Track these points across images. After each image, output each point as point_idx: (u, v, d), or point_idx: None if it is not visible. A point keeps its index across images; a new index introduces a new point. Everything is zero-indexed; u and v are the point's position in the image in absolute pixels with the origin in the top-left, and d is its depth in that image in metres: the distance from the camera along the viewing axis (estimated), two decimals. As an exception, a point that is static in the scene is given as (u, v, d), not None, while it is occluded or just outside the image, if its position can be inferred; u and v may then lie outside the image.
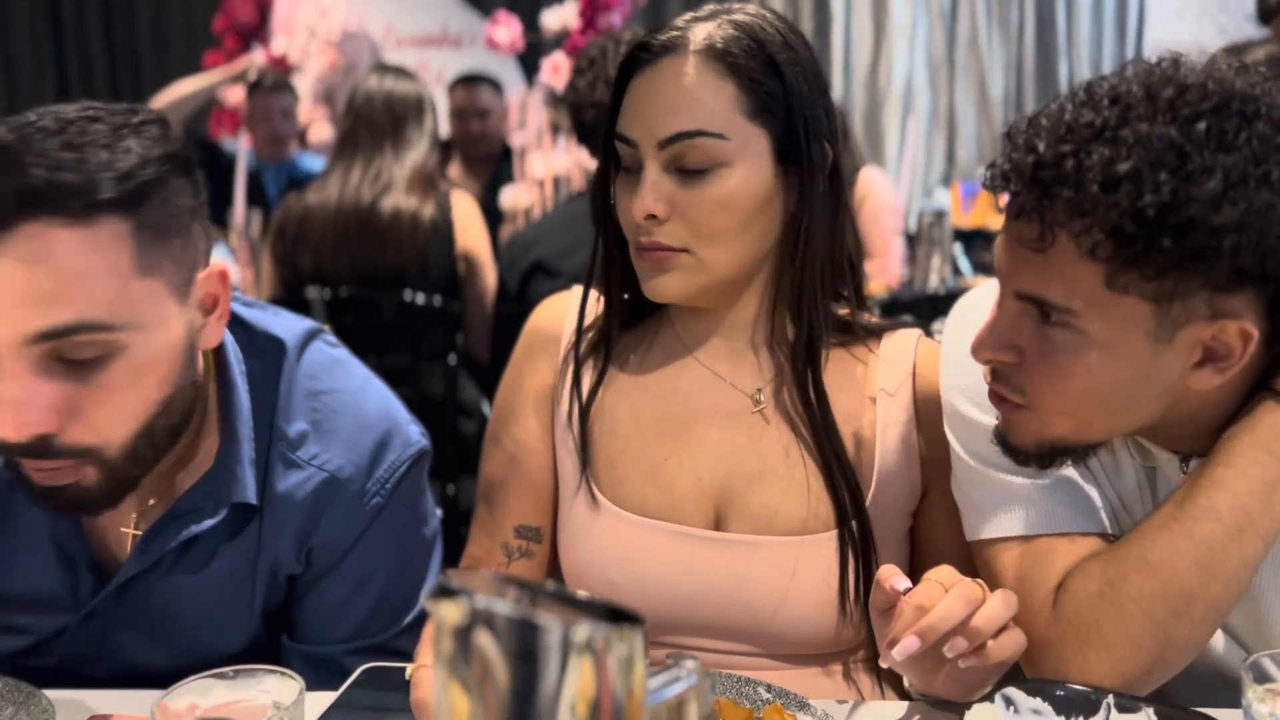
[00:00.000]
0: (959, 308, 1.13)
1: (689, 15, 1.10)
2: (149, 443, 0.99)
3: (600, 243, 1.16)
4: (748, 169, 1.06)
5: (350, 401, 1.15)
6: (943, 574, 0.93)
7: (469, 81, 4.15)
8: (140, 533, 1.08)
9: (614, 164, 1.13)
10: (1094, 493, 1.04)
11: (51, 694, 1.00)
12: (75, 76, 7.10)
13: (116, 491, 0.99)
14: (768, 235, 1.10)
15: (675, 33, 1.08)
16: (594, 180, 1.17)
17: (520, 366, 1.22)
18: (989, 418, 1.04)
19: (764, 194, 1.08)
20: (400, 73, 2.85)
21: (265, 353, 1.12)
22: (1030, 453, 0.98)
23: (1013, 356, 0.95)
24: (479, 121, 4.05)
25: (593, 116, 2.30)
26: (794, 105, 1.08)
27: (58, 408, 0.91)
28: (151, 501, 1.09)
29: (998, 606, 0.90)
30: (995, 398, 0.99)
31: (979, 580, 0.94)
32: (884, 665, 0.94)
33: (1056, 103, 0.92)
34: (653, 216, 1.06)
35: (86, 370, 0.92)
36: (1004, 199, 0.94)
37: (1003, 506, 1.03)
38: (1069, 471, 1.03)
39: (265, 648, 1.16)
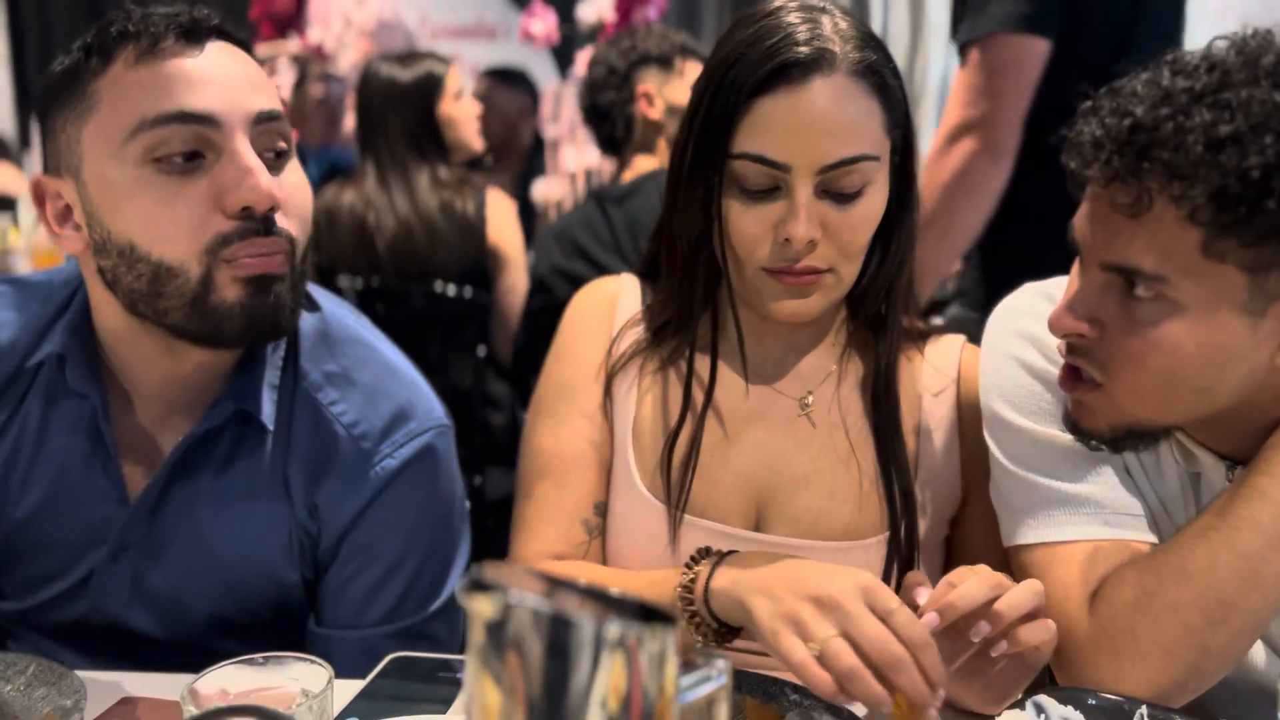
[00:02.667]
0: (1000, 311, 1.13)
1: (803, 29, 1.02)
2: (304, 266, 1.06)
3: (695, 251, 1.11)
4: (882, 182, 1.06)
5: (379, 360, 1.15)
6: (976, 566, 0.93)
7: (485, 75, 4.20)
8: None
9: (711, 180, 1.06)
10: (1135, 499, 1.02)
11: (83, 675, 1.01)
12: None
13: (295, 307, 1.05)
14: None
15: (810, 46, 1.01)
16: (698, 190, 1.08)
17: (574, 344, 1.20)
18: (1028, 421, 1.03)
19: (885, 204, 1.07)
20: (406, 58, 2.79)
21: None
22: (1104, 436, 0.97)
23: (1094, 330, 0.93)
24: (484, 118, 4.10)
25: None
26: (909, 111, 1.08)
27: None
28: (189, 427, 1.09)
29: (1022, 592, 0.89)
30: (1069, 379, 0.97)
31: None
32: None
33: (1142, 75, 0.91)
34: (811, 241, 1.03)
35: (277, 165, 1.04)
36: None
37: (1040, 512, 1.02)
38: (1110, 477, 1.02)
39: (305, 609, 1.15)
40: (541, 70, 5.00)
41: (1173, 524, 1.04)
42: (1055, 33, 1.80)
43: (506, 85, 4.15)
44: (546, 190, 3.57)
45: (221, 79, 1.00)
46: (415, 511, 1.13)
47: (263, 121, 1.01)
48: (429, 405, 1.15)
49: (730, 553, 0.99)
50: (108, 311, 1.06)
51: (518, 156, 4.12)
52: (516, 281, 2.73)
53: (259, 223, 0.99)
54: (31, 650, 1.13)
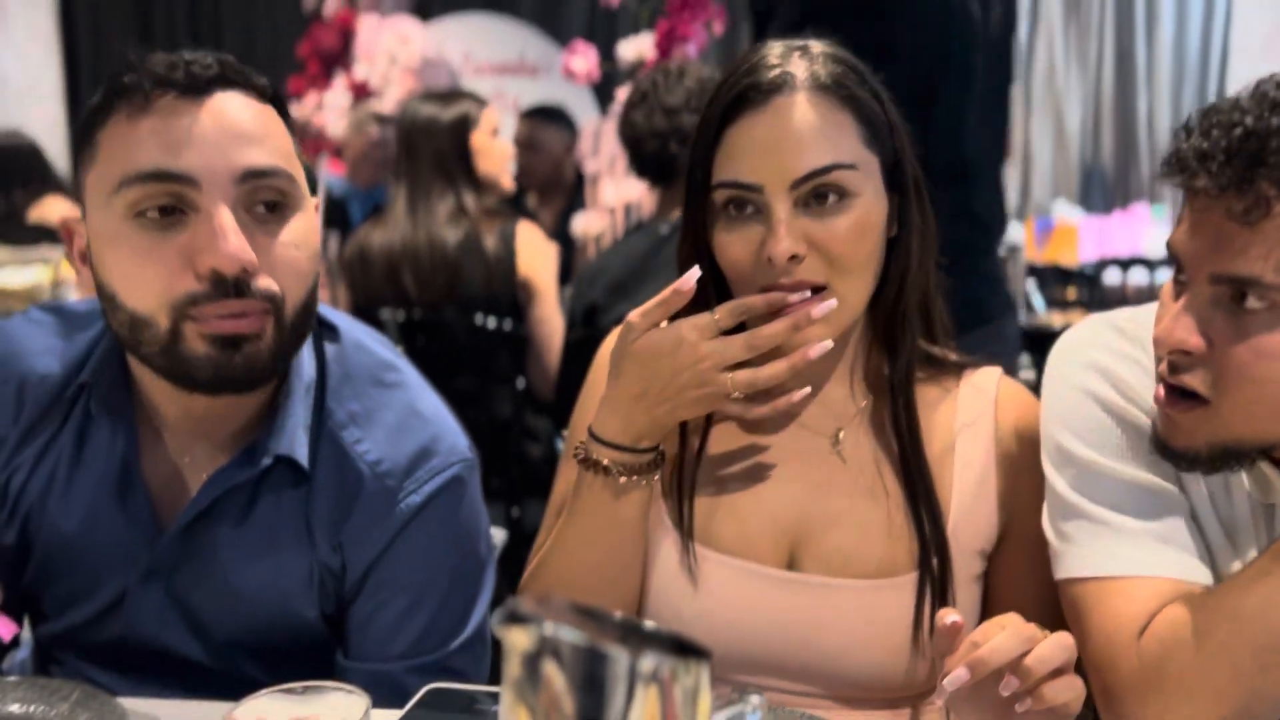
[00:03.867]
0: (1066, 342, 1.11)
1: (771, 57, 1.08)
2: (304, 318, 1.06)
3: (711, 296, 1.12)
4: (871, 195, 1.07)
5: (402, 399, 1.16)
6: (1005, 619, 0.92)
7: (528, 115, 4.31)
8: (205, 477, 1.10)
9: (701, 214, 1.10)
10: (1195, 538, 1.01)
11: (125, 703, 1.02)
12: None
13: (280, 359, 1.05)
14: (880, 265, 1.10)
15: (774, 72, 1.06)
16: (685, 229, 1.13)
17: (597, 390, 1.22)
18: (1095, 454, 1.02)
19: (884, 220, 1.08)
20: (445, 98, 2.86)
21: (323, 333, 1.17)
22: (1200, 456, 0.96)
23: (1201, 343, 0.92)
24: (527, 154, 4.18)
25: (654, 147, 2.34)
26: (896, 129, 1.09)
27: (253, 248, 1.00)
28: (221, 460, 1.11)
29: (1052, 648, 0.88)
30: (1170, 398, 0.95)
31: (1046, 629, 0.92)
32: (938, 701, 0.92)
33: (1250, 87, 0.92)
34: (794, 256, 1.04)
35: (271, 220, 1.02)
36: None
37: (1098, 546, 1.01)
38: (1174, 518, 1.01)
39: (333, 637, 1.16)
40: (581, 106, 5.06)
41: (1237, 553, 1.02)
42: None
43: (549, 123, 4.21)
44: (586, 224, 3.60)
45: (210, 136, 0.99)
46: (440, 546, 1.14)
47: (251, 179, 1.00)
48: (453, 440, 1.16)
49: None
50: (93, 290, 1.09)
51: (562, 192, 4.18)
52: (548, 313, 2.75)
53: (230, 285, 0.99)
54: (72, 673, 1.15)
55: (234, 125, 1.01)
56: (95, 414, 1.12)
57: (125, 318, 1.02)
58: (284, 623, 1.13)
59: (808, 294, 1.04)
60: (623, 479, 1.06)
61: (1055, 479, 1.05)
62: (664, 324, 1.04)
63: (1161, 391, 0.96)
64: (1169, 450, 0.97)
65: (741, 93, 1.06)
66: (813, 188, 1.04)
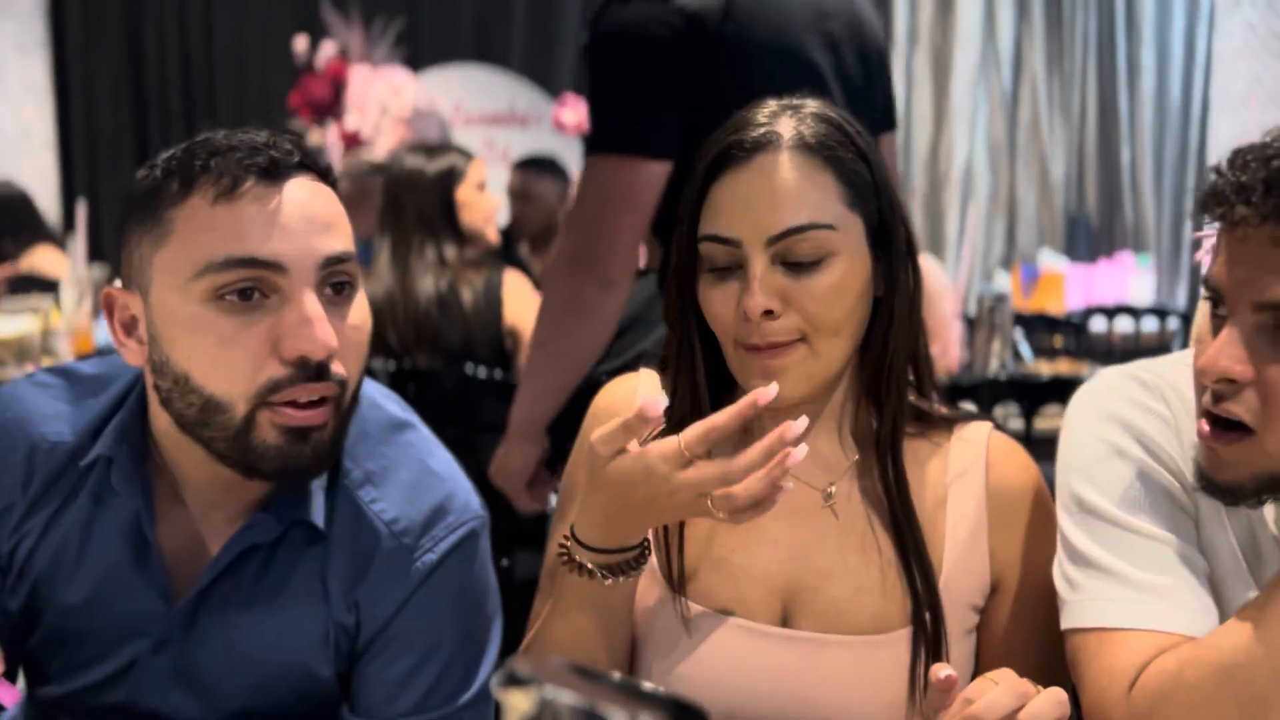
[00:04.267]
0: (1088, 393, 1.12)
1: (761, 115, 1.10)
2: (355, 400, 1.08)
3: (682, 341, 1.15)
4: (851, 256, 1.08)
5: (416, 457, 1.16)
6: (998, 675, 0.92)
7: (522, 166, 4.37)
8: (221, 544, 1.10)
9: (687, 267, 1.12)
10: (1209, 598, 1.01)
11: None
12: (156, 146, 7.34)
13: (337, 445, 1.06)
14: (863, 324, 1.11)
15: (760, 130, 1.08)
16: (672, 280, 1.15)
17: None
18: (1113, 507, 1.02)
19: (865, 280, 1.09)
20: (431, 151, 2.89)
21: None
22: (1245, 488, 0.95)
23: (1247, 372, 0.92)
24: (520, 205, 4.22)
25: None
26: (881, 190, 1.10)
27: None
28: (238, 523, 1.11)
29: (1045, 704, 0.88)
30: (1214, 430, 0.95)
31: (1039, 684, 0.92)
32: None
33: (1269, 132, 0.93)
34: (769, 312, 1.05)
35: (340, 301, 1.04)
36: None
37: (1103, 594, 1.01)
38: (1188, 575, 1.00)
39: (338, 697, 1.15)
40: (571, 157, 5.10)
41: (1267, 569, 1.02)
42: (676, 152, 1.61)
43: (543, 174, 4.27)
44: (576, 273, 3.63)
45: (295, 223, 1.01)
46: (451, 603, 1.14)
47: (330, 264, 1.02)
48: (466, 498, 1.16)
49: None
50: (162, 420, 1.08)
51: (554, 240, 4.22)
52: None
53: (313, 368, 1.00)
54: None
55: (314, 212, 1.03)
56: (109, 489, 1.10)
57: (198, 401, 1.01)
58: (296, 685, 1.12)
59: (773, 399, 1.00)
60: (608, 581, 1.04)
61: (1069, 528, 1.05)
62: (634, 445, 1.00)
63: (1205, 425, 0.96)
64: (1214, 485, 0.97)
65: (727, 148, 1.09)
66: (789, 245, 1.05)
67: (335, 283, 1.03)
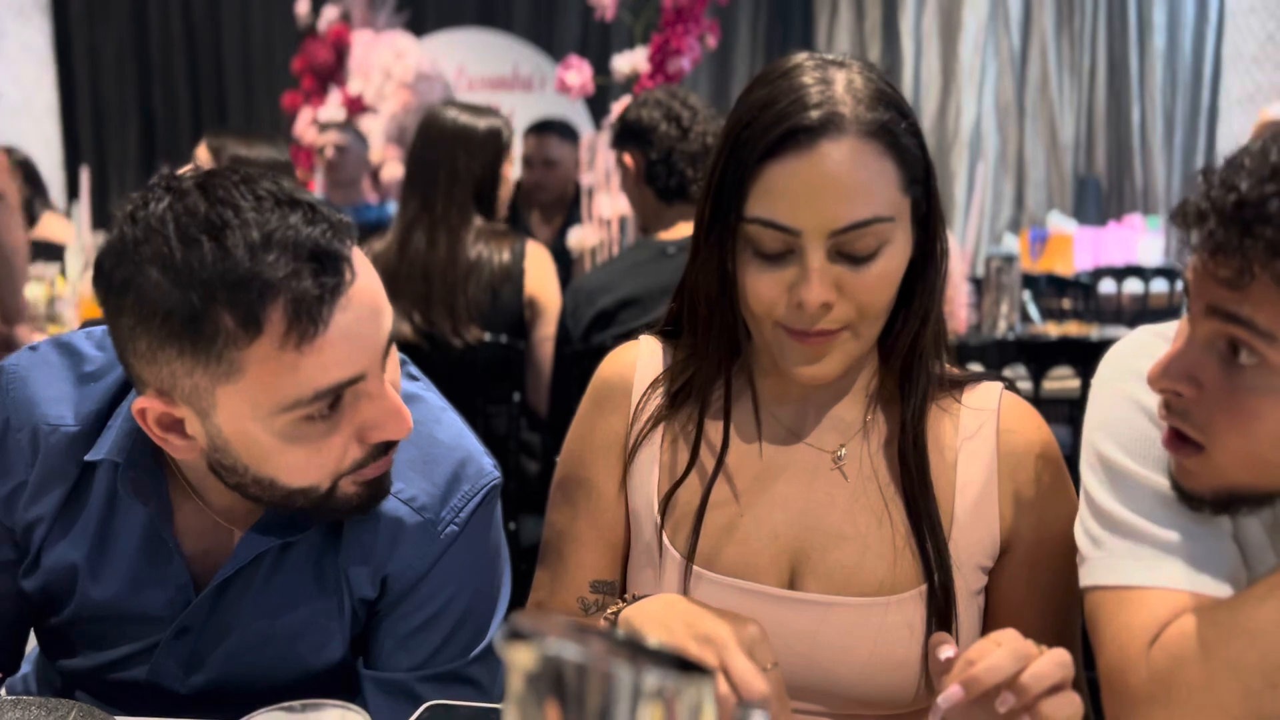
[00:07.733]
0: (1116, 349, 1.11)
1: (810, 81, 1.03)
2: None
3: (713, 314, 1.12)
4: (902, 242, 1.05)
5: (425, 432, 1.16)
6: (1002, 635, 0.92)
7: (539, 130, 4.19)
8: (241, 534, 1.11)
9: (727, 242, 1.07)
10: (1232, 557, 0.99)
11: (124, 721, 1.02)
12: (160, 113, 7.34)
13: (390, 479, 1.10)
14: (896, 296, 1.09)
15: (819, 110, 1.01)
16: (704, 256, 1.10)
17: (590, 417, 1.22)
18: (1135, 464, 1.01)
19: (906, 262, 1.07)
20: (474, 109, 2.79)
21: None
22: (1207, 500, 0.95)
23: (1192, 389, 0.92)
24: (543, 171, 4.10)
25: (683, 165, 2.41)
26: (929, 166, 1.07)
27: None
28: (256, 514, 1.11)
29: (1048, 665, 0.88)
30: (1172, 441, 0.95)
31: (1045, 645, 0.92)
32: (934, 719, 0.92)
33: (1260, 144, 0.90)
34: (825, 304, 1.03)
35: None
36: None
37: (1124, 552, 1.00)
38: (1209, 529, 0.99)
39: (353, 671, 1.17)
40: (576, 120, 5.07)
41: None
42: None
43: (564, 140, 4.15)
44: (583, 237, 3.60)
45: (367, 329, 0.97)
46: (469, 564, 1.15)
47: (389, 346, 1.03)
48: (479, 463, 1.17)
49: (641, 596, 1.02)
50: (191, 458, 1.05)
51: (564, 208, 4.16)
52: (552, 332, 2.75)
53: (390, 444, 1.04)
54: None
55: (374, 300, 0.98)
56: (126, 495, 1.10)
57: (280, 492, 1.02)
58: (316, 663, 1.15)
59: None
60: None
61: (1093, 485, 1.04)
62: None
63: (1166, 433, 0.96)
64: (1181, 492, 0.96)
65: (789, 130, 1.01)
66: (850, 238, 1.02)
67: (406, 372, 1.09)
